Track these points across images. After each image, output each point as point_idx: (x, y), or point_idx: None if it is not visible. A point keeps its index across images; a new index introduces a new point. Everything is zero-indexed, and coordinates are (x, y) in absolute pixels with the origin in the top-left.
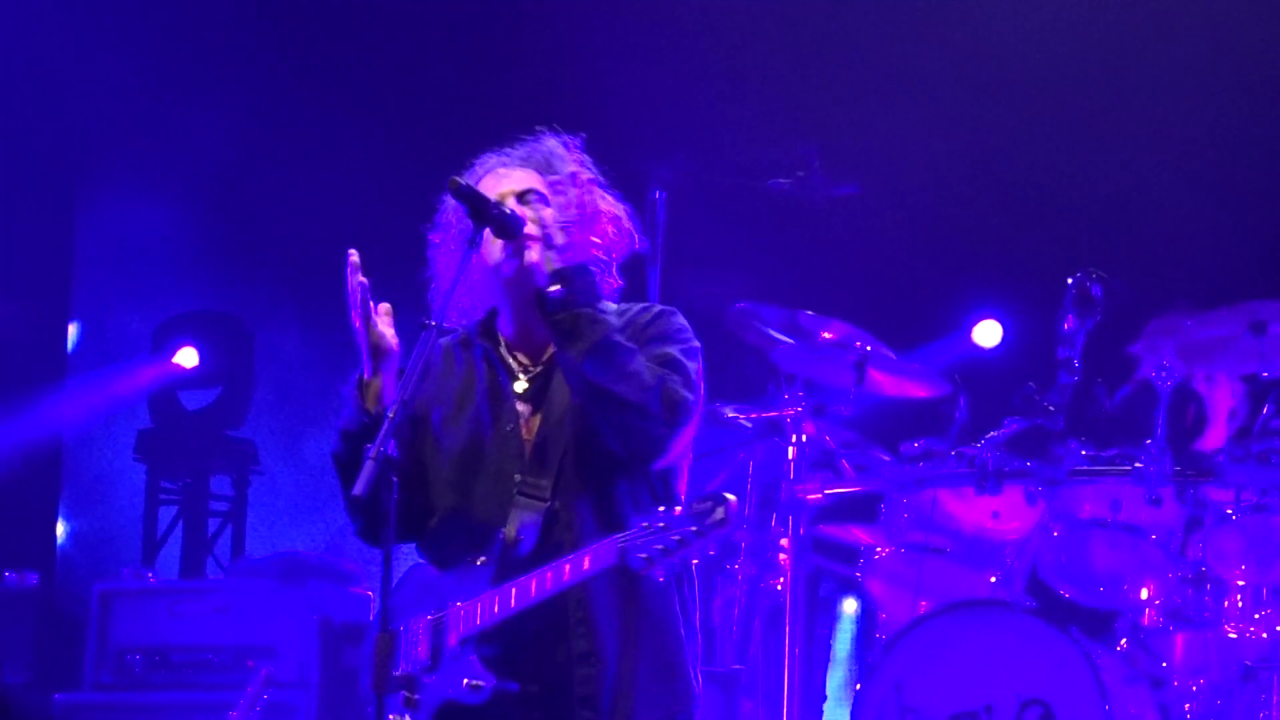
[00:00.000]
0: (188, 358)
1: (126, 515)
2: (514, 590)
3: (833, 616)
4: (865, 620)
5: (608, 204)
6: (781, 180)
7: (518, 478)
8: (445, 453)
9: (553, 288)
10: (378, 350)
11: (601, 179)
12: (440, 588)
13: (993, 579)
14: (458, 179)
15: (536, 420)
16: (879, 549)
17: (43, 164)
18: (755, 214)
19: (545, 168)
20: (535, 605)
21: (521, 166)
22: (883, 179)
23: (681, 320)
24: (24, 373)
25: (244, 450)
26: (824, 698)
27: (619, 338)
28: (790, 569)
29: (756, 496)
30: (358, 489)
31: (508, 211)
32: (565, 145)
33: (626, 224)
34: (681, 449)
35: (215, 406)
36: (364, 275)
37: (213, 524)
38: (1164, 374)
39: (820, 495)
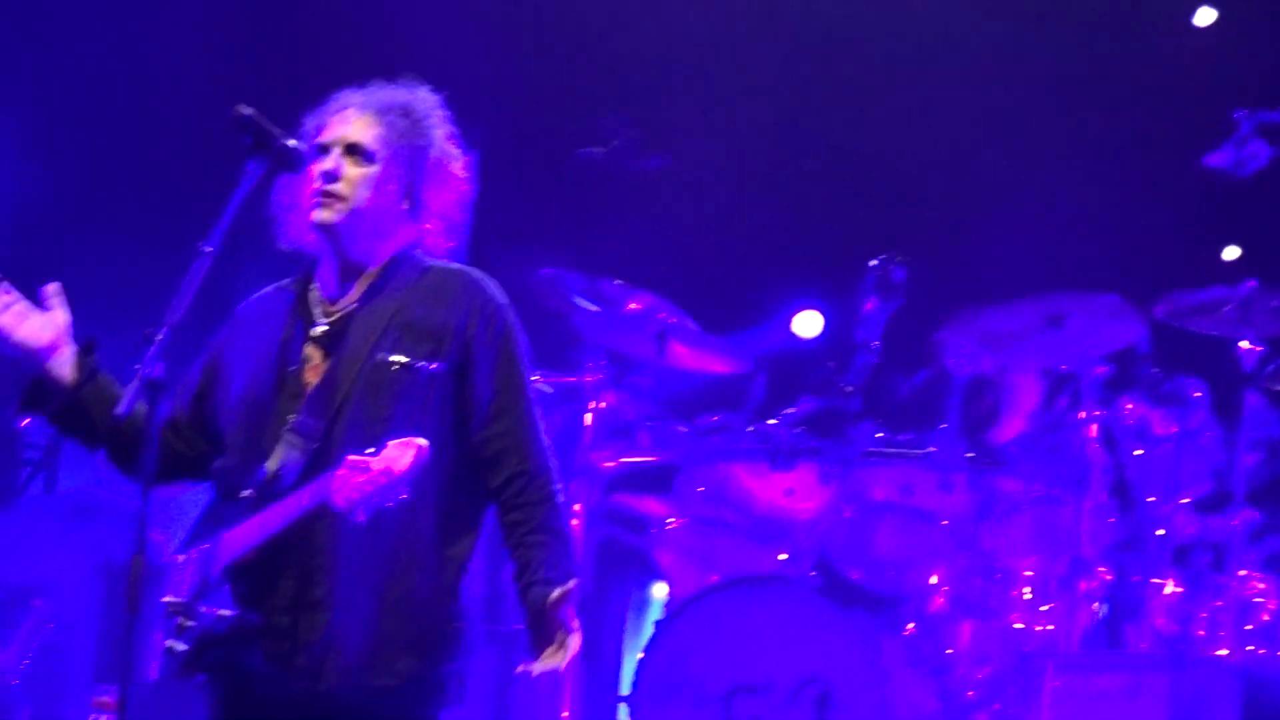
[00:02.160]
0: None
1: None
2: (257, 522)
3: (639, 598)
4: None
5: (455, 166)
6: (592, 149)
7: (291, 417)
8: (231, 396)
9: None
10: (30, 350)
11: (454, 136)
12: (217, 519)
13: (782, 556)
14: (241, 107)
15: (325, 365)
16: (670, 520)
17: None
18: (565, 183)
19: (399, 117)
20: (280, 538)
21: (365, 112)
22: (699, 155)
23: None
24: None
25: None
26: (615, 668)
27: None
28: (583, 536)
29: None
30: (120, 408)
31: (290, 145)
32: (427, 97)
33: (466, 188)
34: None
35: None
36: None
37: (25, 473)
38: (962, 362)
39: (615, 464)
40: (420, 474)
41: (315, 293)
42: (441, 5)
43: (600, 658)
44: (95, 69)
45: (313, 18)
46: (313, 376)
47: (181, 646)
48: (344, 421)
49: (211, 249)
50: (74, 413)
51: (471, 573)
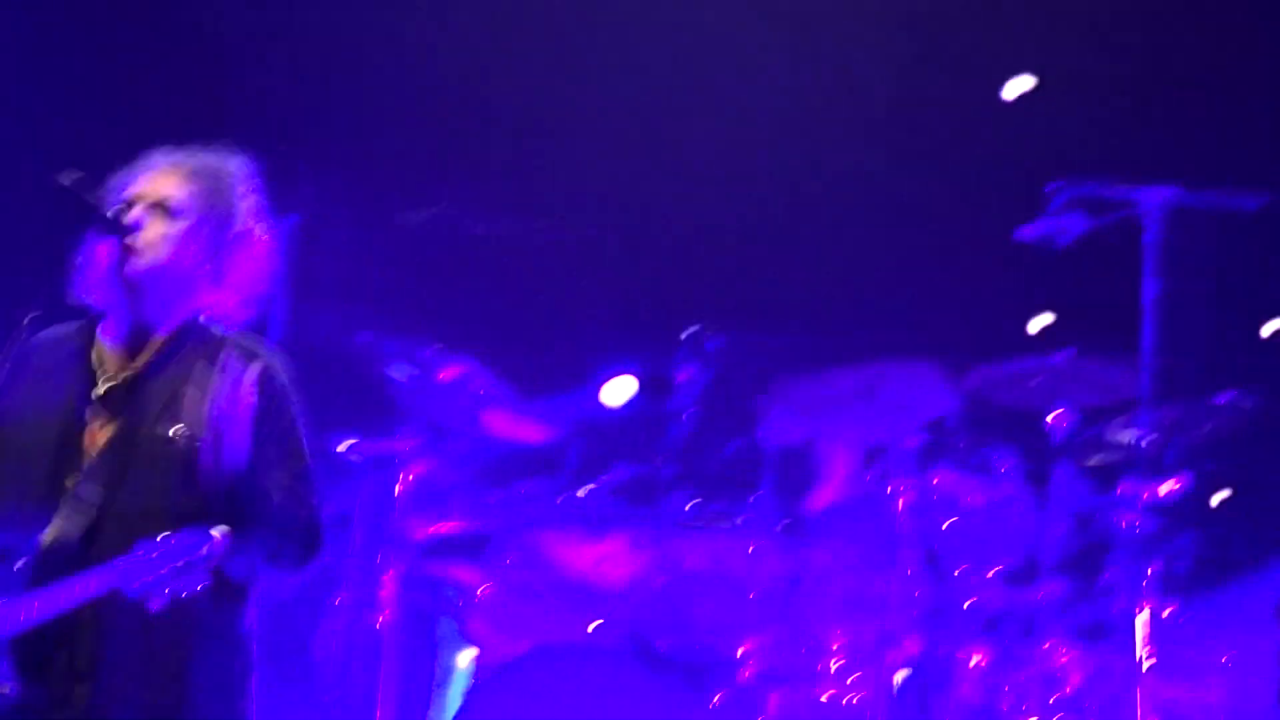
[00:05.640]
0: None
1: None
2: (37, 601)
3: (446, 664)
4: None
5: (260, 238)
6: (414, 213)
7: (69, 483)
8: (5, 445)
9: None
10: None
11: (264, 209)
12: None
13: (594, 624)
14: (62, 176)
15: (109, 429)
16: (482, 588)
17: None
18: (387, 247)
19: (208, 180)
20: (59, 616)
21: (175, 172)
22: (520, 222)
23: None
24: None
25: None
26: None
27: (255, 541)
28: (393, 605)
29: (363, 530)
30: None
31: (108, 215)
32: (241, 166)
33: (270, 263)
34: None
35: None
36: None
37: None
38: (775, 431)
39: (428, 531)
40: (215, 563)
41: (101, 349)
42: (270, 63)
43: None
44: None
45: (123, 80)
46: (95, 440)
47: None
48: (125, 492)
49: (34, 316)
50: None
51: (281, 644)
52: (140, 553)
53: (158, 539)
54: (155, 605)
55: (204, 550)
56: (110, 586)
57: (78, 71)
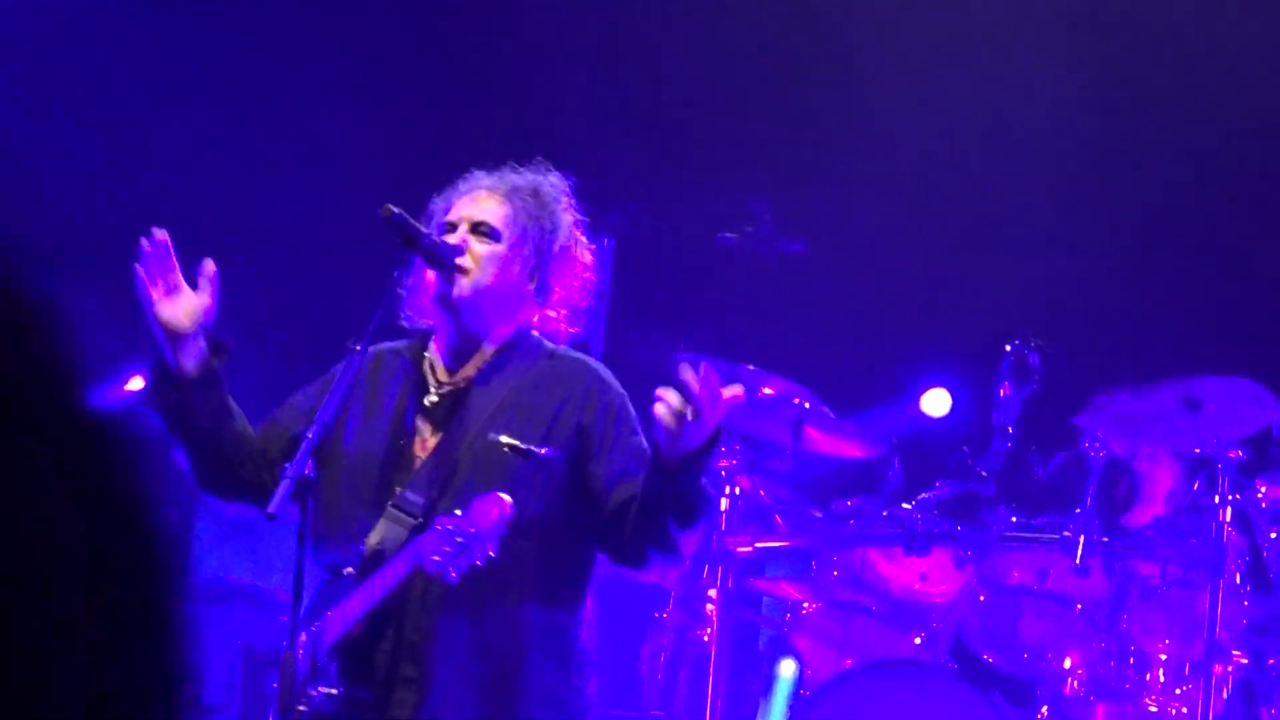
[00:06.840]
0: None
1: None
2: (357, 597)
3: (769, 675)
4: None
5: (582, 252)
6: (729, 234)
7: (397, 490)
8: (342, 459)
9: (686, 463)
10: (172, 331)
11: (584, 225)
12: (325, 597)
13: (918, 640)
14: (390, 206)
15: (435, 439)
16: (807, 605)
17: None
18: (701, 267)
19: (528, 199)
20: (378, 613)
21: (494, 193)
22: (834, 240)
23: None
24: None
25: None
26: None
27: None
28: (718, 620)
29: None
30: (271, 506)
31: (438, 241)
32: (557, 183)
33: (593, 276)
34: None
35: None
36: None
37: None
38: (1097, 445)
39: (751, 548)
40: (506, 529)
41: (433, 361)
42: (581, 90)
43: None
44: (244, 159)
45: (452, 105)
46: (423, 450)
47: None
48: (449, 499)
49: (361, 347)
50: (181, 409)
51: (607, 659)
52: (436, 527)
53: (451, 514)
54: (451, 578)
55: (495, 515)
56: (411, 566)
57: (390, 98)
